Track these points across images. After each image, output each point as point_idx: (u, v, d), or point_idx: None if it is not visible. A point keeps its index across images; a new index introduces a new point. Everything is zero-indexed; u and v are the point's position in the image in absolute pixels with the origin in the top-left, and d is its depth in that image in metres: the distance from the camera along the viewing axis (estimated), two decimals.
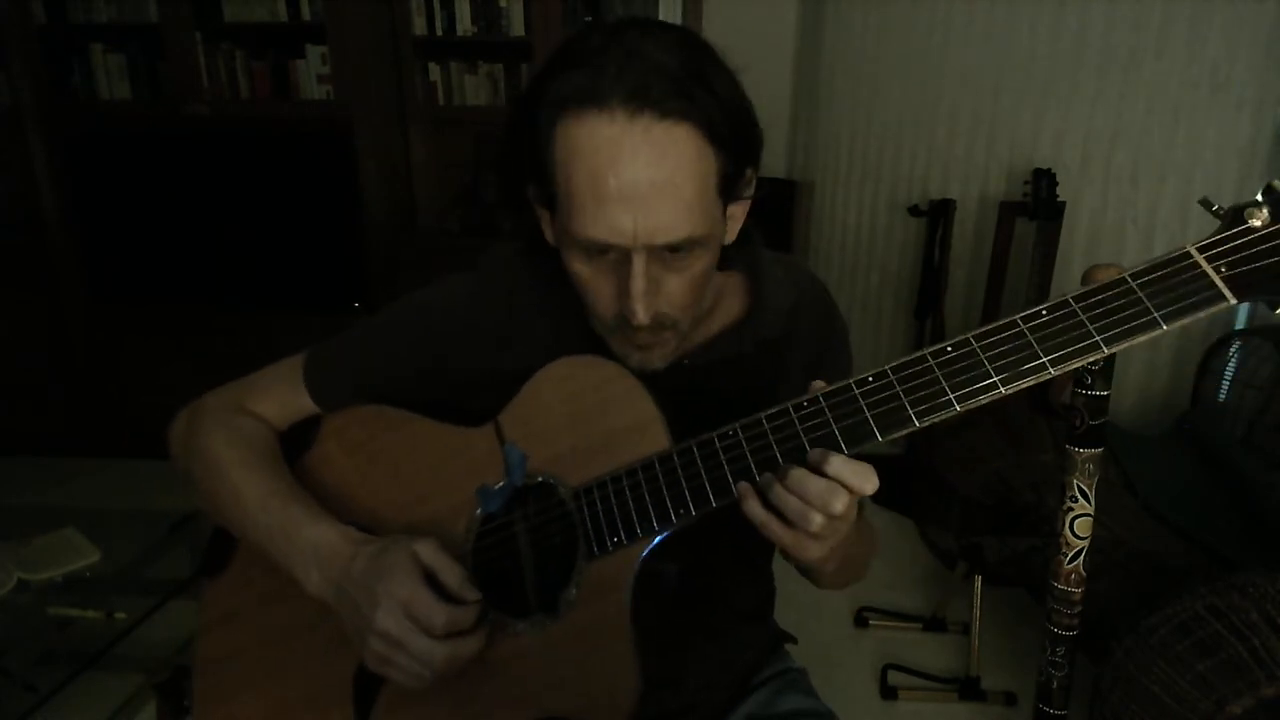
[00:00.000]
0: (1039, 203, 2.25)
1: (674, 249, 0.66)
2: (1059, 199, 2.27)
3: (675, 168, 0.63)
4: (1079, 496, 1.14)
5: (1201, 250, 0.57)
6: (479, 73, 2.89)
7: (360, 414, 0.84)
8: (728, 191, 0.69)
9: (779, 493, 0.61)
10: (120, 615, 1.48)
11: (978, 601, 1.90)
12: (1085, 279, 1.09)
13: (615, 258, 0.68)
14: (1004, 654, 1.98)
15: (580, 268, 0.70)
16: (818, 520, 0.60)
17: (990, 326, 0.61)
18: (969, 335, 0.61)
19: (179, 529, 1.72)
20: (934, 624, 2.10)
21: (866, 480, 0.60)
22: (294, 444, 0.86)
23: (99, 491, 2.81)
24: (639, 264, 0.66)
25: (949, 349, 0.61)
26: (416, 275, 0.92)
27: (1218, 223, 0.59)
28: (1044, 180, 2.25)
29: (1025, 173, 2.33)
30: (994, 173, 2.59)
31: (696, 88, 0.63)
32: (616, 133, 0.62)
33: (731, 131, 0.66)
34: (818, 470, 0.61)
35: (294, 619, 0.80)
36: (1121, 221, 2.41)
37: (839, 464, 0.60)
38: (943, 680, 1.91)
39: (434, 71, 2.90)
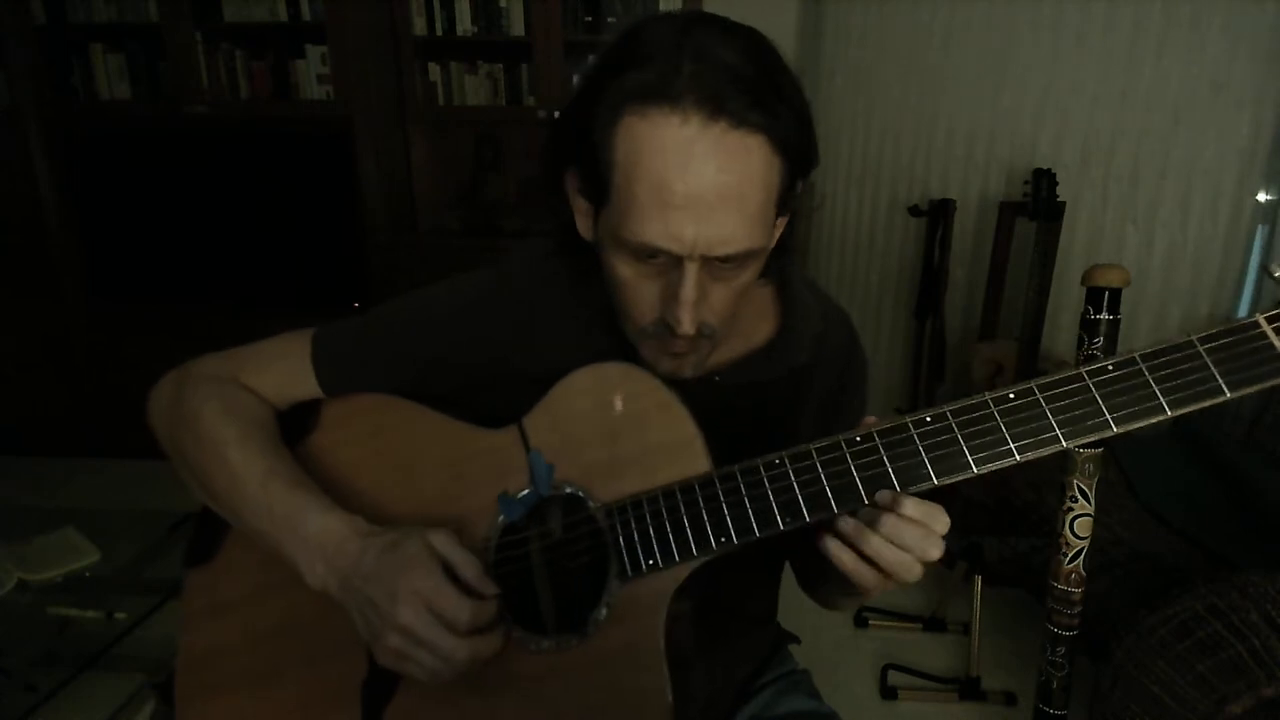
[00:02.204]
0: (1039, 203, 2.25)
1: (727, 260, 0.64)
2: (1059, 199, 2.26)
3: (744, 179, 0.61)
4: (1079, 496, 1.14)
5: (1270, 321, 0.56)
6: (479, 73, 2.89)
7: (368, 402, 0.80)
8: (784, 203, 0.67)
9: (877, 544, 0.60)
10: (120, 615, 1.47)
11: (978, 601, 1.90)
12: (1086, 279, 1.09)
13: (664, 262, 0.65)
14: (1004, 654, 1.98)
15: (624, 270, 0.67)
16: (918, 570, 0.60)
17: (1055, 377, 0.59)
18: (1032, 384, 0.60)
19: (179, 529, 1.72)
20: (934, 624, 2.10)
21: (937, 521, 0.60)
22: (290, 427, 0.81)
23: (99, 491, 2.81)
24: (691, 273, 0.63)
25: (1011, 395, 0.60)
26: (416, 275, 0.91)
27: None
28: (1044, 180, 2.25)
29: (1025, 173, 2.33)
30: (994, 173, 2.59)
31: (772, 97, 0.60)
32: (689, 136, 0.59)
33: (799, 143, 0.64)
34: (892, 511, 0.60)
35: (289, 616, 0.76)
36: (1121, 221, 2.41)
37: (912, 507, 0.60)
38: (943, 680, 1.91)
39: (434, 71, 2.89)
